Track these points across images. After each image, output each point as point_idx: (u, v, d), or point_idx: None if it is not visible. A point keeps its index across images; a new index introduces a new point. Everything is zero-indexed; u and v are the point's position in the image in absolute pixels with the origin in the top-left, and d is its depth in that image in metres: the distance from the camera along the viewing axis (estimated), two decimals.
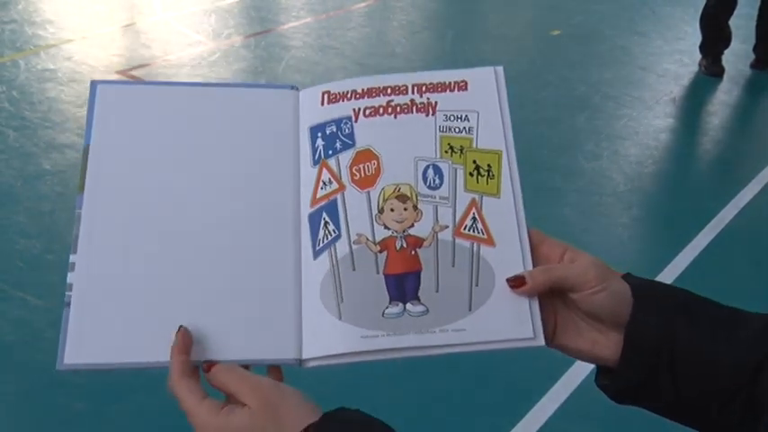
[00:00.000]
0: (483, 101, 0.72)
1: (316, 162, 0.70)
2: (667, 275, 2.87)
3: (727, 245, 3.15)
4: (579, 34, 5.51)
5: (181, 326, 0.62)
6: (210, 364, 0.61)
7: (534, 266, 0.66)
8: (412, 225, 0.67)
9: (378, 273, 0.65)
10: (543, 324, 0.64)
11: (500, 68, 0.73)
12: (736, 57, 5.02)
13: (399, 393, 2.18)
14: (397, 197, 0.67)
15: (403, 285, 0.64)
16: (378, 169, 0.68)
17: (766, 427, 0.58)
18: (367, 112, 0.71)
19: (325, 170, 0.69)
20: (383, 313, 0.63)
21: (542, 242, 0.67)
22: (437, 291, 0.64)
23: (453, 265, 0.65)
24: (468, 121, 0.71)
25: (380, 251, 0.66)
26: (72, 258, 0.65)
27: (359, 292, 0.64)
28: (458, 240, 0.66)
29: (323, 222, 0.67)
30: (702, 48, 4.92)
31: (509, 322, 0.63)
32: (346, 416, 0.57)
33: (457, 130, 0.70)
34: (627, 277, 0.65)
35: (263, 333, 0.64)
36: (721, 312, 0.63)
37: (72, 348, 0.62)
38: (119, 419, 2.17)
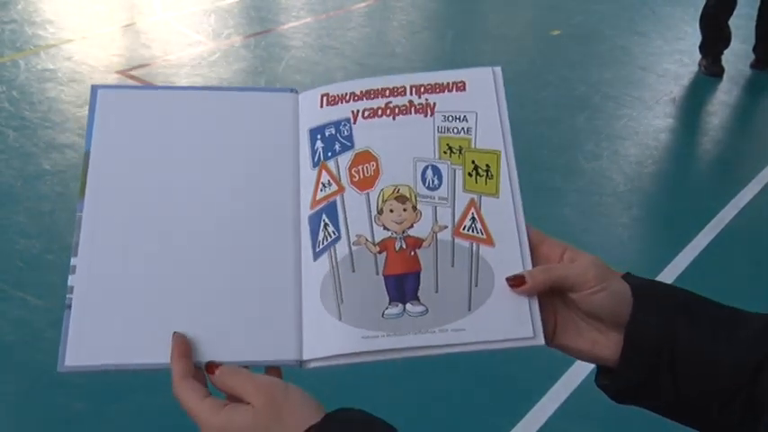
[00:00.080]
0: (481, 101, 0.72)
1: (315, 164, 0.70)
2: (667, 275, 2.87)
3: (727, 245, 3.15)
4: (579, 34, 5.51)
5: (175, 333, 0.62)
6: (214, 366, 0.61)
7: (534, 266, 0.66)
8: (411, 226, 0.67)
9: (377, 274, 0.65)
10: (543, 324, 0.64)
11: (498, 69, 0.74)
12: (736, 57, 5.02)
13: (399, 393, 2.18)
14: (396, 198, 0.67)
15: (402, 286, 0.64)
16: (377, 170, 0.69)
17: (766, 428, 0.58)
18: (365, 113, 0.71)
19: (324, 172, 0.69)
20: (383, 314, 0.63)
21: (542, 242, 0.67)
22: (437, 291, 0.64)
23: (453, 266, 0.65)
24: (467, 121, 0.71)
25: (380, 252, 0.66)
26: (73, 261, 0.65)
27: (359, 292, 0.64)
28: (457, 240, 0.66)
29: (322, 224, 0.67)
30: (702, 48, 4.92)
31: (509, 322, 0.63)
32: (348, 416, 0.57)
33: (455, 130, 0.70)
34: (627, 277, 0.65)
35: (263, 334, 0.64)
36: (721, 312, 0.63)
37: (73, 350, 0.62)
38: (119, 419, 2.17)
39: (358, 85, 0.73)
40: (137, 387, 2.20)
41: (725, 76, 4.87)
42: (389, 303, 0.64)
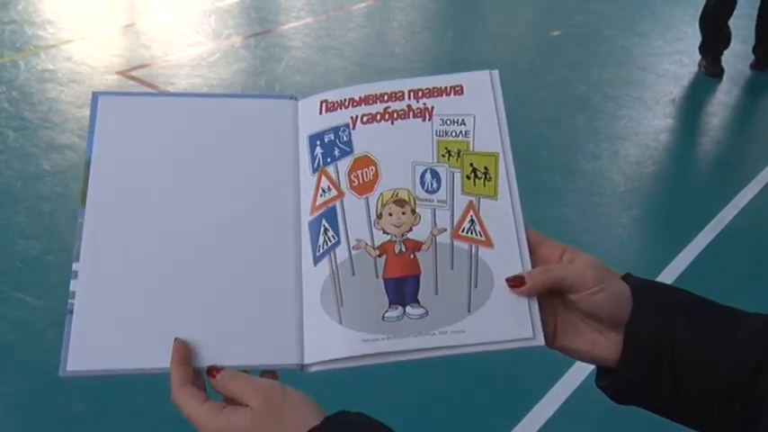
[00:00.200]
0: (479, 104, 0.72)
1: (315, 170, 0.70)
2: (667, 276, 2.87)
3: (727, 245, 3.15)
4: (579, 34, 5.51)
5: (176, 339, 0.63)
6: (215, 370, 0.61)
7: (533, 267, 0.66)
8: (410, 229, 0.67)
9: (377, 277, 0.65)
10: (543, 325, 0.64)
11: (495, 72, 0.74)
12: (736, 57, 5.02)
13: (399, 394, 2.18)
14: (395, 202, 0.68)
15: (402, 289, 0.65)
16: (376, 175, 0.69)
17: (766, 429, 0.58)
18: (364, 119, 0.72)
19: (324, 178, 0.70)
20: (383, 317, 0.63)
21: (541, 243, 0.67)
22: (436, 293, 0.65)
23: (452, 268, 0.66)
24: (465, 124, 0.71)
25: (379, 255, 0.66)
26: (75, 267, 0.65)
27: (358, 296, 0.65)
28: (456, 243, 0.66)
29: (322, 229, 0.68)
30: (702, 48, 4.92)
31: (508, 323, 0.63)
32: (347, 418, 0.57)
33: (454, 134, 0.71)
34: (626, 277, 0.65)
35: (264, 339, 0.65)
36: (720, 312, 0.63)
37: (74, 355, 0.63)
38: (119, 419, 2.17)
39: (357, 91, 0.74)
40: (137, 387, 2.20)
41: (725, 76, 4.87)
42: (389, 306, 0.64)
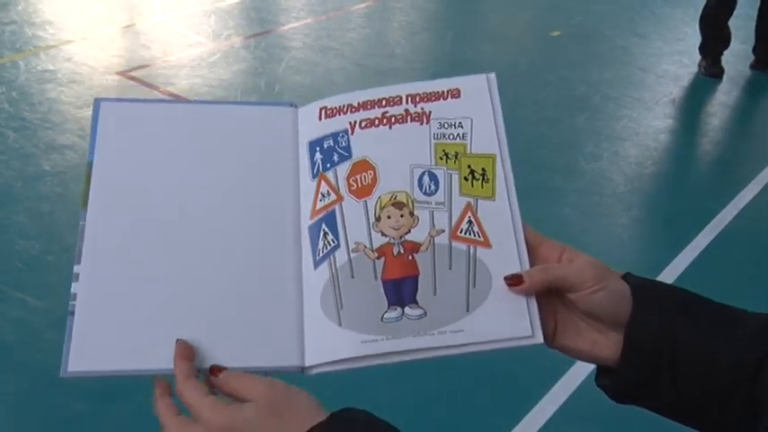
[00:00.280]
0: (476, 107, 0.73)
1: (314, 175, 0.71)
2: (667, 276, 2.87)
3: (727, 246, 3.15)
4: (579, 35, 5.51)
5: (178, 339, 0.63)
6: (218, 369, 0.61)
7: (532, 267, 0.66)
8: (408, 231, 0.67)
9: (376, 279, 0.65)
10: (543, 324, 0.64)
11: (492, 75, 0.75)
12: (736, 57, 5.03)
13: (399, 394, 2.18)
14: (393, 204, 0.68)
15: (401, 290, 0.65)
16: (374, 179, 0.70)
17: (766, 428, 0.58)
18: (362, 124, 0.72)
19: (323, 183, 0.70)
20: (382, 318, 0.64)
21: (540, 243, 0.67)
22: (435, 294, 0.65)
23: (450, 268, 0.66)
24: (462, 127, 0.72)
25: (378, 258, 0.66)
26: (76, 269, 0.66)
27: (358, 298, 0.65)
28: (454, 244, 0.67)
29: (322, 233, 0.68)
30: (702, 49, 4.92)
31: (507, 321, 0.63)
32: (352, 415, 0.57)
33: (451, 136, 0.71)
34: (626, 277, 0.65)
35: (265, 341, 0.65)
36: (720, 311, 0.63)
37: (76, 356, 0.63)
38: (119, 419, 2.17)
39: (355, 97, 0.74)
40: (137, 388, 2.20)
41: (725, 76, 4.87)
42: (388, 307, 0.64)
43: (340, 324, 0.64)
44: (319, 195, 0.70)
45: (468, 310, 0.64)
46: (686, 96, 4.72)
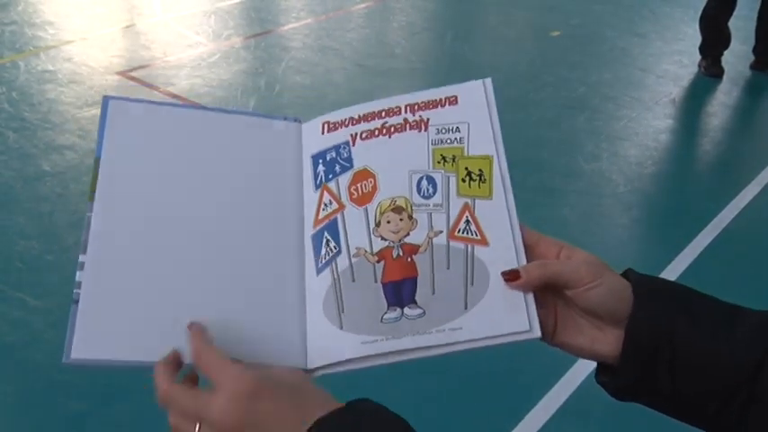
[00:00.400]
0: (473, 112, 0.74)
1: (317, 186, 0.73)
2: (667, 276, 2.81)
3: (727, 246, 3.15)
4: (579, 35, 5.52)
5: (192, 322, 0.63)
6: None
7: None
8: (407, 234, 0.68)
9: (376, 282, 0.67)
10: (543, 321, 0.64)
11: (488, 80, 0.76)
12: (736, 58, 5.03)
13: (399, 394, 2.18)
14: (392, 210, 0.70)
15: (400, 291, 0.66)
16: (374, 186, 0.71)
17: (754, 416, 0.58)
18: (363, 135, 0.75)
19: (326, 193, 0.73)
20: (381, 319, 0.65)
21: (538, 241, 0.68)
22: (433, 293, 0.66)
23: (448, 268, 0.67)
24: (459, 132, 0.73)
25: (378, 261, 0.68)
26: (81, 258, 0.66)
27: (358, 301, 0.66)
28: (452, 243, 0.68)
29: (324, 241, 0.70)
30: (702, 49, 4.93)
31: (504, 317, 0.64)
32: (367, 407, 0.56)
33: (448, 141, 0.73)
34: (627, 273, 0.66)
35: (269, 344, 0.66)
36: (721, 308, 0.63)
37: (79, 343, 0.63)
38: (118, 420, 2.17)
39: (356, 110, 0.77)
40: (136, 388, 2.19)
41: (725, 77, 4.87)
42: (388, 308, 0.65)
43: (341, 327, 0.65)
44: (322, 205, 0.72)
45: (466, 308, 0.64)
46: (686, 96, 4.72)
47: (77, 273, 0.66)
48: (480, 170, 0.71)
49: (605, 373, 0.65)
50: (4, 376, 2.32)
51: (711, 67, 4.86)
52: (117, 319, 0.65)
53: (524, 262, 0.66)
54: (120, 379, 2.24)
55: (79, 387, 2.24)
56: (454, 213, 0.69)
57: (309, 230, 0.72)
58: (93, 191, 0.69)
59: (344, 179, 0.72)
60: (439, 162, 0.72)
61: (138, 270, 0.67)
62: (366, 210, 0.70)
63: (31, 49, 4.75)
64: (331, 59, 4.87)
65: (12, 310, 2.57)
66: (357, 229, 0.69)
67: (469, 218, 0.69)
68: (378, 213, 0.70)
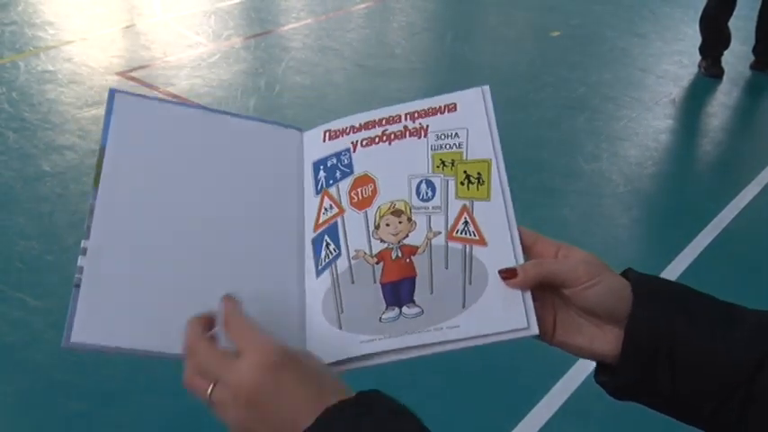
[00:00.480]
0: (472, 118, 0.76)
1: (318, 192, 0.75)
2: (667, 276, 2.84)
3: (727, 246, 3.15)
4: (579, 35, 5.52)
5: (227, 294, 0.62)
6: None
7: None
8: (407, 236, 0.69)
9: (375, 282, 0.67)
10: (542, 321, 0.64)
11: (486, 87, 0.78)
12: (736, 58, 5.03)
13: (399, 394, 2.18)
14: (392, 213, 0.71)
15: (399, 291, 0.67)
16: (374, 191, 0.73)
17: (753, 416, 0.58)
18: (364, 142, 0.76)
19: (326, 198, 0.74)
20: (380, 318, 0.65)
21: (536, 241, 0.68)
22: (431, 293, 0.66)
23: (447, 267, 0.67)
24: (459, 137, 0.75)
25: (377, 263, 0.69)
26: (84, 244, 0.67)
27: (357, 302, 0.67)
28: (450, 244, 0.68)
29: (324, 244, 0.71)
30: (702, 49, 4.93)
31: (502, 315, 0.64)
32: (377, 399, 0.56)
33: (448, 146, 0.74)
34: (627, 272, 0.66)
35: None
36: (720, 308, 0.63)
37: (80, 326, 0.63)
38: (117, 420, 2.17)
39: (357, 119, 0.79)
40: (136, 388, 2.20)
41: (725, 77, 4.88)
42: (386, 308, 0.66)
43: (340, 327, 0.66)
44: (322, 210, 0.73)
45: (464, 307, 0.65)
46: (686, 97, 4.72)
47: (79, 257, 0.66)
48: (479, 173, 0.72)
49: (604, 373, 0.65)
50: (4, 376, 2.32)
51: (711, 68, 4.86)
52: (118, 304, 0.65)
53: (522, 261, 0.67)
54: (120, 379, 2.24)
55: (79, 387, 2.24)
56: (453, 215, 0.70)
57: (310, 234, 0.73)
58: (97, 178, 0.70)
59: (345, 184, 0.74)
60: (438, 166, 0.73)
61: (140, 258, 0.68)
62: (366, 213, 0.71)
63: (31, 49, 4.75)
64: (331, 59, 4.87)
65: (12, 310, 2.57)
66: (357, 232, 0.70)
67: (468, 219, 0.69)
68: (377, 217, 0.71)
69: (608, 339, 0.64)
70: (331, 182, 0.75)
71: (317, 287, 0.69)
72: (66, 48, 4.79)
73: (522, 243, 0.68)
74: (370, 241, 0.70)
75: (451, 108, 0.77)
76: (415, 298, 0.66)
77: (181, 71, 4.56)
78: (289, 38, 5.24)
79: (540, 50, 5.31)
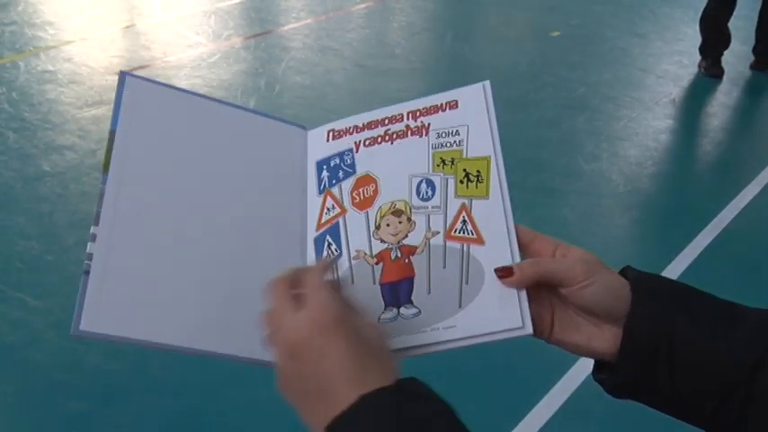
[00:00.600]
0: (472, 115, 0.76)
1: (321, 191, 0.76)
2: (667, 276, 2.87)
3: (727, 246, 3.15)
4: (579, 35, 5.52)
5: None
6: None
7: None
8: (406, 236, 0.70)
9: (374, 283, 0.68)
10: (540, 319, 0.64)
11: (487, 83, 0.78)
12: (736, 58, 5.03)
13: None
14: (392, 213, 0.71)
15: (397, 291, 0.67)
16: (376, 191, 0.73)
17: (753, 416, 0.58)
18: (366, 142, 0.77)
19: (329, 198, 0.75)
20: (378, 319, 0.66)
21: (534, 239, 0.68)
22: (429, 293, 0.66)
23: (444, 267, 0.67)
24: (459, 135, 0.75)
25: (377, 263, 0.69)
26: (93, 230, 0.65)
27: (356, 302, 0.66)
28: (449, 243, 0.69)
29: (326, 244, 0.72)
30: (702, 49, 4.93)
31: (497, 314, 0.64)
32: (420, 390, 0.57)
33: (448, 144, 0.75)
34: (626, 270, 0.65)
35: None
36: (720, 307, 0.63)
37: (89, 315, 0.62)
38: (117, 420, 2.17)
39: (361, 119, 0.79)
40: (136, 388, 2.20)
41: (725, 77, 4.88)
42: (385, 309, 0.66)
43: None
44: (325, 210, 0.74)
45: (460, 306, 0.65)
46: (686, 97, 4.72)
47: (89, 244, 0.64)
48: (478, 171, 0.72)
49: (603, 371, 0.65)
50: (4, 376, 2.32)
51: (711, 68, 4.86)
52: (128, 295, 0.64)
53: (519, 259, 0.66)
54: (120, 379, 2.24)
55: (79, 387, 2.24)
56: (452, 214, 0.70)
57: (312, 234, 0.73)
58: (107, 162, 0.69)
59: (347, 184, 0.74)
60: (438, 165, 0.73)
61: (150, 247, 0.67)
62: (367, 214, 0.72)
63: (31, 49, 4.75)
64: (331, 59, 4.87)
65: (12, 310, 2.57)
66: (358, 233, 0.71)
67: (466, 218, 0.70)
68: (378, 217, 0.71)
69: (606, 338, 0.63)
70: (334, 182, 0.75)
71: None
72: (66, 48, 4.79)
73: (519, 241, 0.68)
74: (370, 242, 0.70)
75: (453, 105, 0.77)
76: (413, 298, 0.66)
77: (181, 71, 4.56)
78: (289, 38, 5.24)
79: (540, 50, 5.31)
